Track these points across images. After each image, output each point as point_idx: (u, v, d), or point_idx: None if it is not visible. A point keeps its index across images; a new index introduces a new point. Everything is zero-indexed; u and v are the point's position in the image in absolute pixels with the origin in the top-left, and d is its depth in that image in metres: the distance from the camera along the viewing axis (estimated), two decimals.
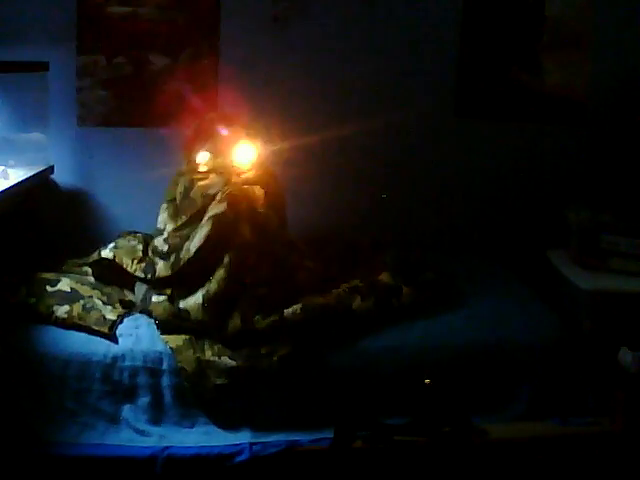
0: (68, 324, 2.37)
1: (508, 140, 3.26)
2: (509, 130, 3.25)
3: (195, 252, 2.43)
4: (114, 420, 2.26)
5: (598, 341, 2.60)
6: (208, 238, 2.43)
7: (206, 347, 2.34)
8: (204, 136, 2.76)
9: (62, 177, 3.08)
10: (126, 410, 2.28)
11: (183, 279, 2.45)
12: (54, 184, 3.07)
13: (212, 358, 2.30)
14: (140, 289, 2.52)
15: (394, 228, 3.19)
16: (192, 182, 2.63)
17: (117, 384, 2.28)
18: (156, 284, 2.49)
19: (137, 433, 2.23)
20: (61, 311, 2.38)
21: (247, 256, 2.44)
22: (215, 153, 2.70)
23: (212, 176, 2.63)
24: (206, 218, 2.48)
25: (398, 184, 3.24)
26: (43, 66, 2.90)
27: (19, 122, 2.91)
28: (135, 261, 2.58)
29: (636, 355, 2.40)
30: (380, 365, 2.38)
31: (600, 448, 2.34)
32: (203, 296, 2.38)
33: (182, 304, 2.40)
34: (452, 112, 3.22)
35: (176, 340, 2.34)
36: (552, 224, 3.17)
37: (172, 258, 2.50)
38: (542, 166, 3.27)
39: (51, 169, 3.00)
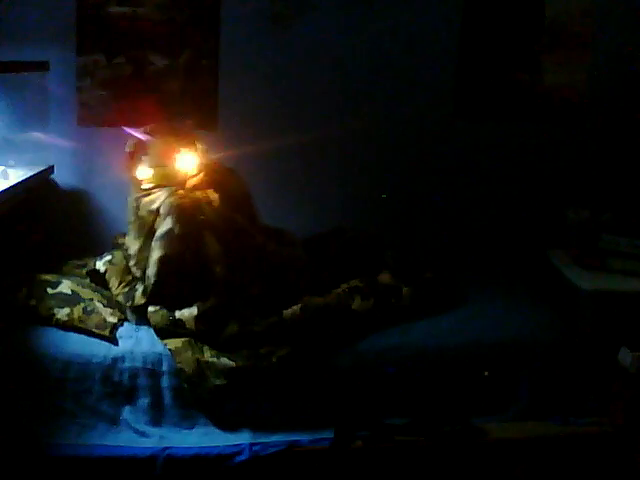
0: (69, 327, 2.37)
1: (508, 140, 3.25)
2: (509, 130, 3.24)
3: (155, 278, 2.41)
4: (114, 421, 2.27)
5: (598, 341, 2.60)
6: (162, 261, 2.41)
7: (205, 348, 2.34)
8: (141, 152, 2.67)
9: (62, 177, 3.08)
10: (126, 411, 2.28)
11: (164, 300, 2.42)
12: (54, 184, 3.07)
13: (211, 359, 2.30)
14: (131, 316, 2.50)
15: (394, 228, 3.19)
16: (138, 200, 2.59)
17: (117, 385, 2.29)
18: (137, 310, 2.46)
19: (137, 434, 2.24)
20: (62, 314, 2.38)
21: (231, 266, 2.43)
22: (157, 166, 2.63)
23: (155, 191, 2.58)
24: (154, 240, 2.45)
25: (398, 184, 3.24)
26: (43, 66, 2.90)
27: (19, 122, 2.91)
28: (122, 285, 2.54)
29: (636, 355, 2.40)
30: (380, 365, 2.38)
31: (600, 448, 2.34)
32: (198, 307, 2.38)
33: (177, 314, 2.40)
34: (452, 112, 3.22)
35: (175, 342, 2.34)
36: (552, 224, 3.17)
37: (144, 285, 2.47)
38: (542, 166, 3.27)
39: (51, 169, 3.00)
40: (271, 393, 2.32)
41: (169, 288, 2.42)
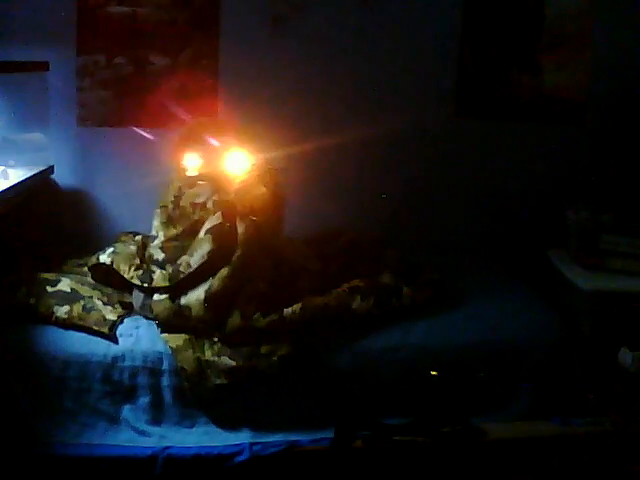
0: (68, 324, 2.36)
1: (508, 140, 3.26)
2: (509, 130, 3.25)
3: (197, 267, 2.42)
4: (114, 420, 2.26)
5: (598, 341, 2.60)
6: (212, 254, 2.43)
7: (206, 347, 2.34)
8: (194, 141, 2.73)
9: (62, 177, 3.08)
10: (126, 410, 2.28)
11: (181, 288, 2.44)
12: (54, 184, 3.07)
13: (212, 358, 2.30)
14: (138, 296, 2.52)
15: (394, 228, 3.19)
16: (180, 190, 2.62)
17: (117, 384, 2.28)
18: (153, 291, 2.47)
19: (137, 433, 2.24)
20: (61, 311, 2.38)
21: (250, 254, 2.44)
22: (205, 159, 2.68)
23: (200, 183, 2.61)
24: (203, 232, 2.47)
25: (398, 184, 3.24)
26: (43, 66, 2.91)
27: (19, 122, 2.91)
28: (132, 268, 2.55)
29: (636, 355, 2.40)
30: (380, 365, 2.38)
31: (600, 448, 2.34)
32: (205, 292, 2.38)
33: (183, 300, 2.40)
34: (452, 112, 3.22)
35: (176, 340, 2.33)
36: (552, 224, 3.17)
37: (170, 269, 2.48)
38: (542, 166, 3.27)
39: (51, 169, 3.00)
40: (271, 393, 2.32)
41: (199, 280, 2.42)
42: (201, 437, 2.25)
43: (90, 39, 3.00)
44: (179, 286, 2.43)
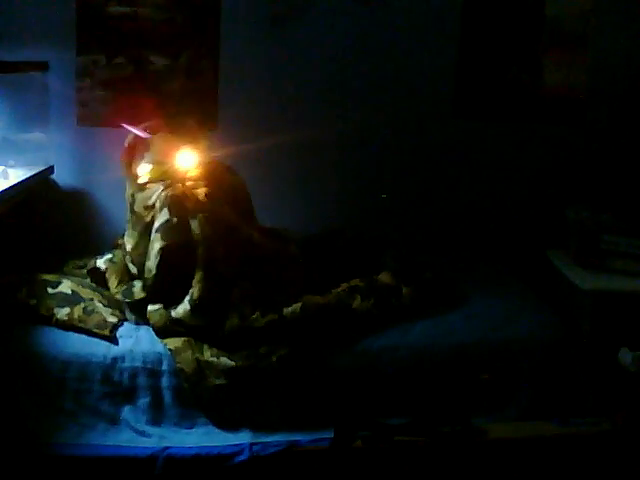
0: (68, 326, 2.37)
1: (508, 140, 3.26)
2: (509, 130, 3.25)
3: (156, 269, 2.41)
4: (114, 421, 2.26)
5: (598, 341, 2.60)
6: (163, 252, 2.40)
7: (205, 348, 2.34)
8: (141, 148, 2.66)
9: (62, 177, 3.08)
10: (126, 411, 2.28)
11: (164, 295, 2.43)
12: (54, 184, 3.07)
13: (211, 359, 2.30)
14: (130, 316, 2.50)
15: (394, 228, 3.19)
16: (134, 196, 2.59)
17: (117, 385, 2.28)
18: (135, 306, 2.46)
19: (137, 434, 2.23)
20: (62, 313, 2.38)
21: (214, 249, 2.42)
22: (156, 162, 2.61)
23: (151, 186, 2.57)
24: (154, 231, 2.45)
25: (398, 184, 3.24)
26: (43, 66, 2.91)
27: (19, 122, 2.90)
28: (121, 284, 2.54)
29: (636, 355, 2.40)
30: (380, 365, 2.38)
31: (600, 448, 2.34)
32: (189, 302, 2.38)
33: (173, 314, 2.39)
34: (451, 112, 3.22)
35: (175, 341, 2.33)
36: (552, 224, 3.17)
37: (143, 279, 2.48)
38: (542, 166, 3.28)
39: (51, 169, 3.00)
40: (271, 393, 2.31)
41: (169, 281, 2.42)
42: (201, 437, 2.24)
43: (90, 39, 2.99)
44: (155, 294, 2.42)
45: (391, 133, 3.20)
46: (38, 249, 2.84)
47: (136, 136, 2.65)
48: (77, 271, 2.74)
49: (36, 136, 2.96)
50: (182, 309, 2.38)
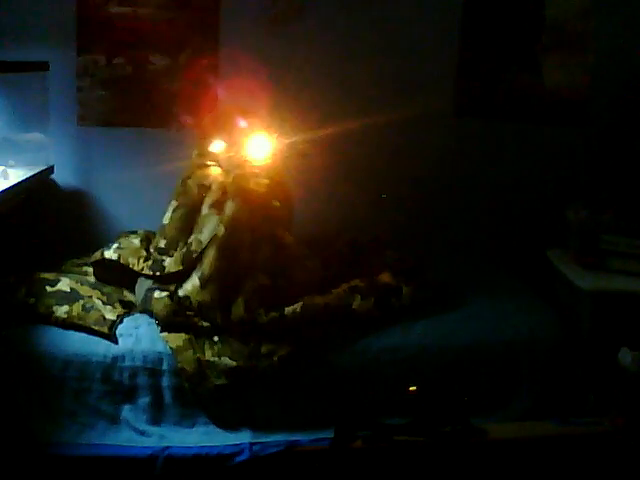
0: (68, 324, 2.37)
1: (508, 140, 3.26)
2: (509, 130, 3.24)
3: (208, 242, 2.44)
4: (114, 420, 2.26)
5: (598, 341, 2.60)
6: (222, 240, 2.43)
7: (206, 347, 2.34)
8: (220, 126, 2.75)
9: (62, 177, 3.08)
10: (126, 410, 2.28)
11: (191, 270, 2.46)
12: (54, 184, 3.07)
13: (212, 358, 2.30)
14: (141, 289, 2.52)
15: (394, 228, 3.19)
16: (192, 169, 2.64)
17: (117, 384, 2.28)
18: (165, 280, 2.48)
19: (137, 433, 2.24)
20: (61, 311, 2.38)
21: (241, 236, 2.44)
22: (230, 144, 2.69)
23: (212, 167, 2.64)
24: (207, 208, 2.50)
25: (398, 184, 3.24)
26: (43, 66, 2.91)
27: (19, 122, 2.91)
28: (141, 260, 2.58)
29: (636, 355, 2.40)
30: (380, 365, 2.38)
31: (600, 448, 2.34)
32: (199, 278, 2.40)
33: (181, 292, 2.40)
34: (452, 112, 3.22)
35: (176, 340, 2.33)
36: (552, 224, 3.16)
37: (180, 252, 2.49)
38: (542, 166, 3.27)
39: (51, 169, 3.00)
40: (271, 393, 2.32)
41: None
42: (201, 437, 2.24)
43: (90, 39, 3.00)
44: (192, 268, 2.44)
45: (391, 133, 3.20)
46: (38, 249, 2.84)
47: (215, 114, 2.72)
48: (76, 269, 2.74)
49: (36, 136, 2.97)
50: (190, 284, 2.40)
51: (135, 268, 2.55)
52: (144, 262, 2.56)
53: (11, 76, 2.73)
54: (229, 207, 2.47)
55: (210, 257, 2.41)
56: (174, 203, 2.65)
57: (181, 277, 2.46)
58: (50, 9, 2.94)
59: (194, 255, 2.45)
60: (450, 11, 3.14)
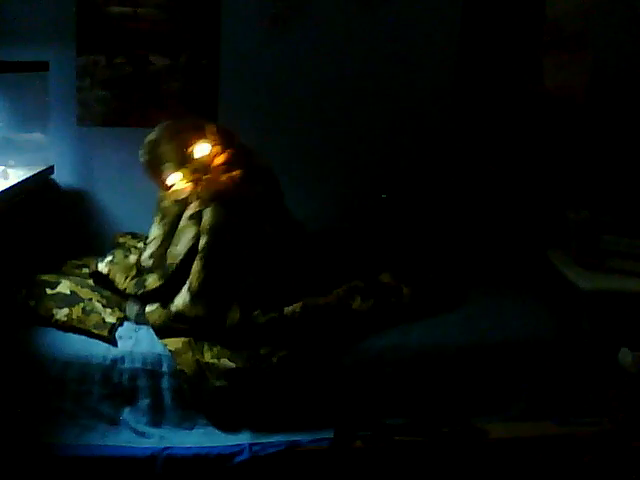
0: (68, 327, 2.37)
1: (508, 140, 3.25)
2: (509, 131, 3.24)
3: (185, 254, 2.42)
4: (114, 422, 2.27)
5: (598, 341, 2.60)
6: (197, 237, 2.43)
7: (205, 349, 2.34)
8: (158, 162, 2.62)
9: (62, 177, 3.08)
10: (126, 412, 2.28)
11: (174, 287, 2.43)
12: (54, 184, 3.07)
13: (211, 360, 2.30)
14: (132, 308, 2.51)
15: (394, 228, 3.19)
16: (162, 195, 2.61)
17: (117, 386, 2.29)
18: (147, 298, 2.46)
19: (137, 435, 2.24)
20: (61, 314, 2.38)
21: (223, 239, 2.43)
22: (182, 166, 2.59)
23: (180, 184, 2.59)
24: (185, 220, 2.47)
25: (398, 184, 3.24)
26: (43, 66, 2.90)
27: (19, 122, 2.90)
28: (128, 279, 2.54)
29: (636, 355, 2.40)
30: (380, 365, 2.38)
31: (600, 448, 2.34)
32: (188, 292, 2.38)
33: (173, 308, 2.39)
34: (451, 112, 3.22)
35: (175, 342, 2.33)
36: (552, 224, 3.16)
37: (160, 269, 2.48)
38: (542, 166, 3.27)
39: (51, 169, 3.00)
40: (271, 393, 2.32)
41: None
42: (201, 438, 2.25)
43: (90, 39, 2.99)
44: (172, 282, 2.42)
45: (391, 133, 3.20)
46: (38, 249, 2.84)
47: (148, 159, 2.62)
48: (76, 271, 2.74)
49: (36, 136, 2.96)
50: (181, 300, 2.38)
51: (119, 287, 2.53)
52: (130, 281, 2.53)
53: (11, 76, 2.73)
54: (206, 214, 2.45)
55: (195, 269, 2.39)
56: (157, 219, 2.61)
57: (163, 293, 2.44)
58: (50, 9, 2.93)
59: (169, 270, 2.43)
60: (450, 11, 3.14)
